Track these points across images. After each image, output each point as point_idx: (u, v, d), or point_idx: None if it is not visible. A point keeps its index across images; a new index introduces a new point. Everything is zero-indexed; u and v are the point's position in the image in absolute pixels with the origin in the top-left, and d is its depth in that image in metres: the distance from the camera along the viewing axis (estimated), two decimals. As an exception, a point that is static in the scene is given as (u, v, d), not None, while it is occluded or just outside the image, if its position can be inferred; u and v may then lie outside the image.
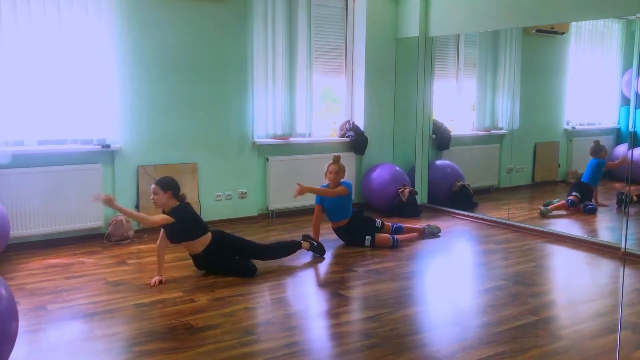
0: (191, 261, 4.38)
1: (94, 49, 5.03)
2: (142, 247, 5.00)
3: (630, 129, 6.44)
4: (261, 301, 3.86)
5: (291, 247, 4.68)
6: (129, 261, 4.59)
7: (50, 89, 4.91)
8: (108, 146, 5.16)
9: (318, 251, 4.79)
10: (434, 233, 5.50)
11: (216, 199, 5.85)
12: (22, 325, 3.27)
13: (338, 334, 3.34)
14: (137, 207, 5.37)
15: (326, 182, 5.09)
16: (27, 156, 4.83)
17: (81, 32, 4.96)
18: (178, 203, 4.10)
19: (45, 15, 4.79)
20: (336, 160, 5.10)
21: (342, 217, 5.14)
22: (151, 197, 4.10)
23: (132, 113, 5.31)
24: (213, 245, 4.22)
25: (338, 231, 5.19)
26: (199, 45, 5.59)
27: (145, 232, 5.37)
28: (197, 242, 4.18)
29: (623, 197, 6.18)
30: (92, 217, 5.12)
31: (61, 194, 4.96)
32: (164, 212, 4.09)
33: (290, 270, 4.44)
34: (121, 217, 5.13)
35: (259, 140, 6.01)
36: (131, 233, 5.18)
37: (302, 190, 4.88)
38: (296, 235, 5.36)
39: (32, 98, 4.83)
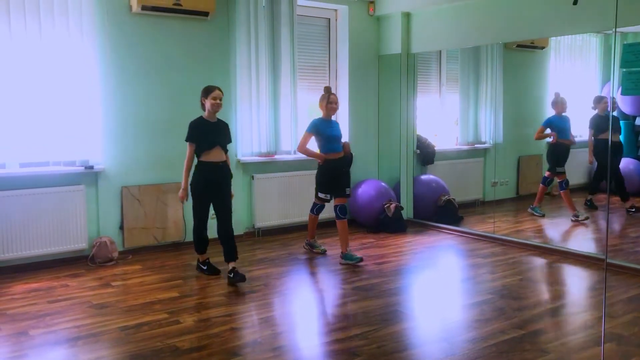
0: (178, 282, 4.38)
1: (76, 69, 5.01)
2: (127, 268, 4.94)
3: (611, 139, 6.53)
4: (248, 321, 3.82)
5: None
6: (114, 283, 4.53)
7: (32, 110, 4.86)
8: (91, 167, 5.12)
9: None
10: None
11: (202, 218, 5.80)
12: (3, 352, 3.22)
13: (325, 353, 3.32)
14: (121, 228, 5.32)
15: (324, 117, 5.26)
16: (9, 179, 4.78)
17: (63, 52, 4.93)
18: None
19: (27, 34, 4.76)
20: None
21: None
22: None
23: (115, 133, 5.28)
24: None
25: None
26: (182, 64, 5.59)
27: (130, 253, 5.32)
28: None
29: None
30: (76, 239, 5.05)
31: (44, 216, 4.90)
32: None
33: (277, 290, 4.42)
34: (105, 238, 5.08)
35: (243, 158, 6.00)
36: (115, 254, 5.12)
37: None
38: (282, 254, 5.36)
39: (13, 120, 4.78)
